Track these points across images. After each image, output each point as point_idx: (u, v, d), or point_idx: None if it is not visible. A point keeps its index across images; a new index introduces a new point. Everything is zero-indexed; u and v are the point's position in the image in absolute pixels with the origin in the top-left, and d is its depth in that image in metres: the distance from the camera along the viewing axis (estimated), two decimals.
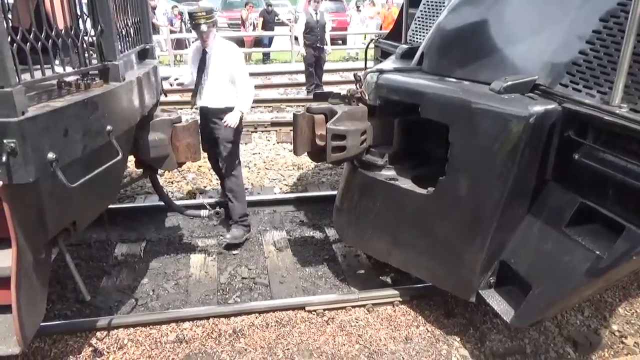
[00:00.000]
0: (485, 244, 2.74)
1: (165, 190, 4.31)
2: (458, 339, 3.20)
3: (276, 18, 15.79)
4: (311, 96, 8.12)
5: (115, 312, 3.42)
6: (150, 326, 3.24)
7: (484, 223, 2.72)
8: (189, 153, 3.48)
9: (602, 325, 3.36)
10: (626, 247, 2.18)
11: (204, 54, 4.00)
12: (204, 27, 3.84)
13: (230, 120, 3.88)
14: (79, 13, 2.67)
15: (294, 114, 3.32)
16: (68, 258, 2.59)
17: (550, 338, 3.22)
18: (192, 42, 4.41)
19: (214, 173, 5.86)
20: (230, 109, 4.07)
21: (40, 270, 2.33)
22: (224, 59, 3.98)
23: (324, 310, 3.41)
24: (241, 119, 4.11)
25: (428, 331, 3.26)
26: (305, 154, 3.39)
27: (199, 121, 4.21)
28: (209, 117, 4.12)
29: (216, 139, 4.15)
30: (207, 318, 3.31)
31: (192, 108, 5.25)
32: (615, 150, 2.26)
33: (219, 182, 5.60)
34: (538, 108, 2.45)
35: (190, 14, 3.87)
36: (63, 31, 2.36)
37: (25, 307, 2.22)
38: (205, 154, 4.35)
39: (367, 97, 3.30)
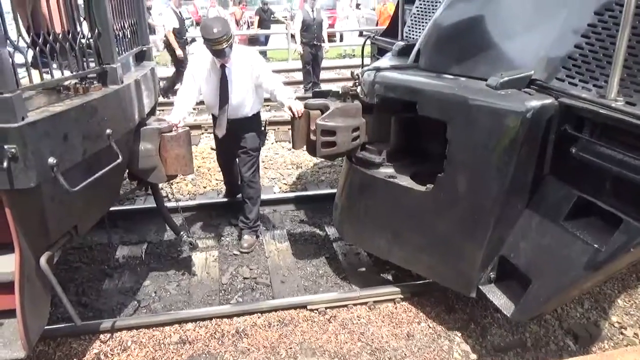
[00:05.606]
0: (485, 239, 2.75)
1: (164, 193, 4.33)
2: (459, 335, 3.22)
3: (272, 16, 15.77)
4: (309, 94, 8.13)
5: (118, 314, 3.44)
6: (154, 328, 3.25)
7: (483, 219, 2.74)
8: (179, 165, 3.26)
9: (602, 317, 3.38)
10: (624, 239, 2.20)
11: (222, 69, 3.78)
12: (227, 51, 3.58)
13: (296, 106, 3.53)
14: (75, 17, 2.67)
15: None
16: (53, 280, 2.38)
17: (551, 331, 3.24)
18: (194, 56, 4.05)
19: (213, 174, 5.92)
20: (256, 116, 4.10)
21: (42, 274, 2.34)
22: (246, 69, 3.83)
23: (326, 308, 3.42)
24: (265, 124, 4.04)
25: (429, 327, 3.28)
26: (304, 147, 3.43)
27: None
28: (235, 127, 4.00)
29: (240, 148, 4.10)
30: (210, 319, 3.33)
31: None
32: (611, 143, 2.27)
33: (218, 183, 5.64)
34: (535, 103, 2.46)
35: (210, 40, 3.49)
36: (60, 35, 2.37)
37: (29, 311, 2.23)
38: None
39: (362, 94, 3.32)
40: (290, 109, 3.50)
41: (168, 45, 9.47)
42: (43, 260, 2.31)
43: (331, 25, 14.55)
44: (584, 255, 2.35)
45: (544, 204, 2.63)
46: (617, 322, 3.33)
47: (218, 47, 3.53)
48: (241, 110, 3.98)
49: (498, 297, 2.78)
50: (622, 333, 3.24)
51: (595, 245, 2.32)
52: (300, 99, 3.75)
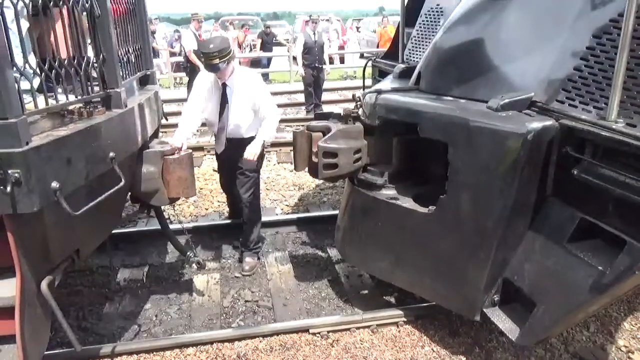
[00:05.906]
0: (488, 261, 2.73)
1: (166, 215, 4.31)
2: (464, 359, 3.17)
3: (274, 39, 16.01)
4: (310, 116, 8.19)
5: (119, 338, 3.40)
6: (154, 353, 3.21)
7: (486, 240, 2.73)
8: (181, 188, 3.28)
9: (608, 341, 3.33)
10: (628, 261, 2.18)
11: (224, 87, 3.89)
12: (221, 66, 3.67)
13: (250, 152, 3.83)
14: (81, 43, 2.71)
15: (293, 131, 3.42)
16: (54, 305, 2.36)
17: (557, 355, 3.19)
18: (198, 75, 4.15)
19: (215, 195, 5.92)
20: (254, 138, 4.07)
21: (43, 299, 2.32)
22: (246, 90, 3.90)
23: (328, 332, 3.38)
24: (263, 145, 4.08)
25: (433, 351, 3.23)
26: (306, 169, 3.44)
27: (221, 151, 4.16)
28: (233, 148, 4.05)
29: (239, 169, 4.12)
30: (211, 343, 3.29)
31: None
32: (613, 165, 2.27)
33: (220, 204, 5.64)
34: (535, 125, 2.47)
35: (203, 54, 3.67)
36: (66, 60, 2.40)
37: (29, 337, 2.21)
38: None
39: (364, 117, 3.34)
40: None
41: (185, 67, 9.80)
42: (44, 284, 2.30)
43: None
44: (589, 277, 2.32)
45: (547, 225, 2.62)
46: (624, 346, 3.27)
47: (210, 61, 3.66)
48: (239, 130, 4.03)
49: (502, 321, 2.75)
50: (629, 357, 3.18)
51: (600, 268, 2.30)
52: (302, 120, 3.79)
